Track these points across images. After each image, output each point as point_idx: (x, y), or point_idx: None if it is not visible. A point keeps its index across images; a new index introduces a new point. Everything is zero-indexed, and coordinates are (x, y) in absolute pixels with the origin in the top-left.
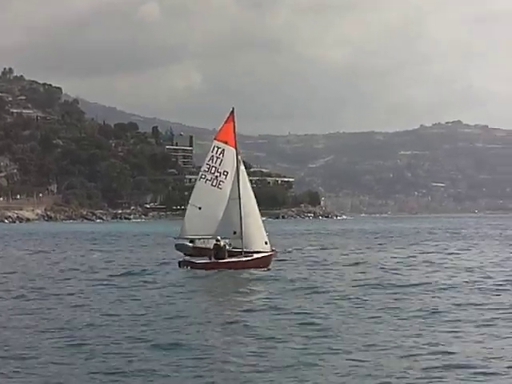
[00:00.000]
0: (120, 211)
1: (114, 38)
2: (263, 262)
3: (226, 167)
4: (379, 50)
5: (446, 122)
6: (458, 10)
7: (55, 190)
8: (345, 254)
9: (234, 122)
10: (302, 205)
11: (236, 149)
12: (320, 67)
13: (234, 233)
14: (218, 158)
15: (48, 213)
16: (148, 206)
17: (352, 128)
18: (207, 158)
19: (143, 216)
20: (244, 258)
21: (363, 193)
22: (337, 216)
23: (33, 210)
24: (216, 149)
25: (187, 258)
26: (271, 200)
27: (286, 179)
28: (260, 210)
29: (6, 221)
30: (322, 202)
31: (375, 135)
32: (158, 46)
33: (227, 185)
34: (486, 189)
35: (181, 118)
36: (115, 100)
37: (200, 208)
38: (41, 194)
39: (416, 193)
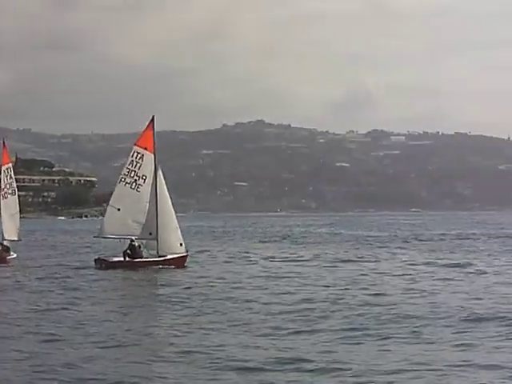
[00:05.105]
0: None
1: None
2: (178, 263)
3: (144, 172)
4: (180, 52)
5: (249, 122)
6: (258, 10)
7: None
8: None
9: (153, 130)
10: (105, 204)
11: (155, 155)
12: (122, 67)
13: (150, 234)
14: (137, 162)
15: None
16: None
17: (156, 127)
18: (127, 163)
19: None
20: (159, 258)
21: None
22: None
23: None
24: (136, 154)
25: (102, 256)
26: (74, 199)
27: (88, 178)
28: (62, 210)
29: None
30: None
31: (178, 134)
32: None
33: (145, 188)
34: (288, 188)
35: None
36: None
37: (119, 209)
38: None
39: (218, 192)
